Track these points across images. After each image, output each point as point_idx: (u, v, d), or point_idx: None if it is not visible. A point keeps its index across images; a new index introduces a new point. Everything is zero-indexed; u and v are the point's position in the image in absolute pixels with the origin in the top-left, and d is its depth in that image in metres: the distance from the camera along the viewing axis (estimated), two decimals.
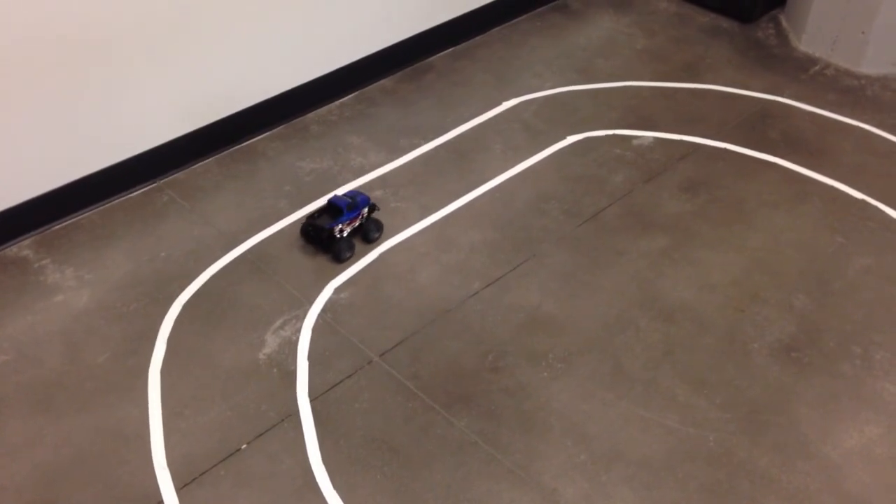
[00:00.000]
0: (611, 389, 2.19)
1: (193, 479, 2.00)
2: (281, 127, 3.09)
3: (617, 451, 2.05)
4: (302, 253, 2.58)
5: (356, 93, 3.27)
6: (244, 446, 2.07)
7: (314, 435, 2.09)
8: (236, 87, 2.93)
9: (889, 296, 2.44)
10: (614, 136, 3.05)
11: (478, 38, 3.59)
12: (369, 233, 2.61)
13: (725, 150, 2.98)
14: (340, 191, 2.73)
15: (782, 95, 3.24)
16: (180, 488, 1.98)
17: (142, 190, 2.82)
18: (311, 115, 3.16)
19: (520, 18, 3.71)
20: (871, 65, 3.34)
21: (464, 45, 3.55)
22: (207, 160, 2.94)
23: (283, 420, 2.12)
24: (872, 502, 1.95)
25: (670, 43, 3.56)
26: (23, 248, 2.61)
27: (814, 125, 3.10)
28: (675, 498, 1.96)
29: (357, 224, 2.58)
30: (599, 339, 2.33)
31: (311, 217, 2.58)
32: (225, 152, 2.98)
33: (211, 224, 2.69)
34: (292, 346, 2.31)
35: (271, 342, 2.32)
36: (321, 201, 2.73)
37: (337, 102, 3.22)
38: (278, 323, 2.37)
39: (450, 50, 3.51)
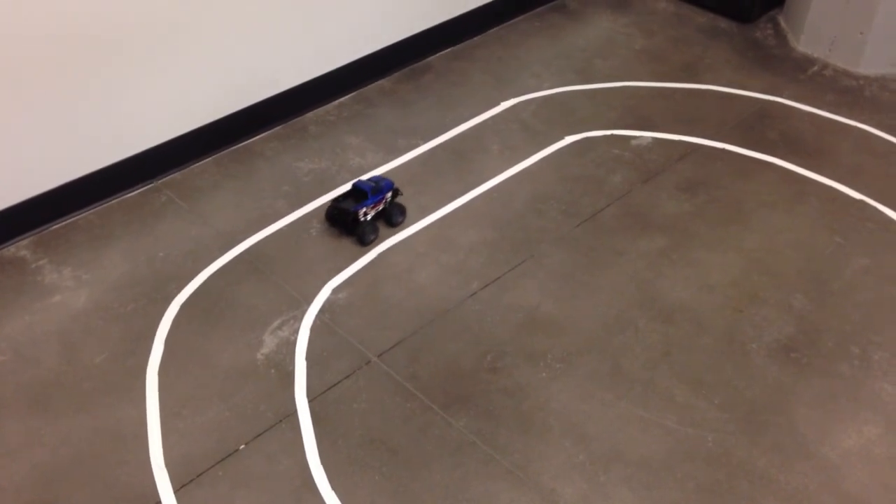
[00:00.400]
0: (610, 390, 2.19)
1: (191, 480, 1.99)
2: (279, 127, 3.09)
3: (616, 452, 2.05)
4: (301, 253, 2.58)
5: (354, 93, 3.26)
6: (242, 447, 2.07)
7: (312, 435, 2.09)
8: (234, 87, 2.93)
9: (888, 296, 2.44)
10: (613, 136, 3.05)
11: (476, 39, 3.59)
12: (393, 216, 2.64)
13: (724, 150, 2.98)
14: (365, 176, 2.74)
15: (781, 96, 3.24)
16: (178, 489, 1.97)
17: (140, 190, 2.81)
18: (309, 115, 3.15)
19: (518, 19, 3.71)
20: (869, 65, 3.34)
21: (462, 45, 3.55)
22: (205, 160, 2.94)
23: (281, 420, 2.12)
24: (871, 502, 1.95)
25: (669, 43, 3.56)
26: (20, 248, 2.61)
27: (812, 125, 3.10)
28: (674, 498, 1.96)
29: (381, 208, 2.62)
30: (598, 339, 2.32)
31: (336, 200, 2.62)
32: (223, 152, 2.97)
33: (209, 224, 2.68)
34: (290, 346, 2.30)
35: (269, 342, 2.32)
36: (321, 201, 2.73)
37: (335, 102, 3.22)
38: (276, 323, 2.37)
39: (448, 50, 3.51)
